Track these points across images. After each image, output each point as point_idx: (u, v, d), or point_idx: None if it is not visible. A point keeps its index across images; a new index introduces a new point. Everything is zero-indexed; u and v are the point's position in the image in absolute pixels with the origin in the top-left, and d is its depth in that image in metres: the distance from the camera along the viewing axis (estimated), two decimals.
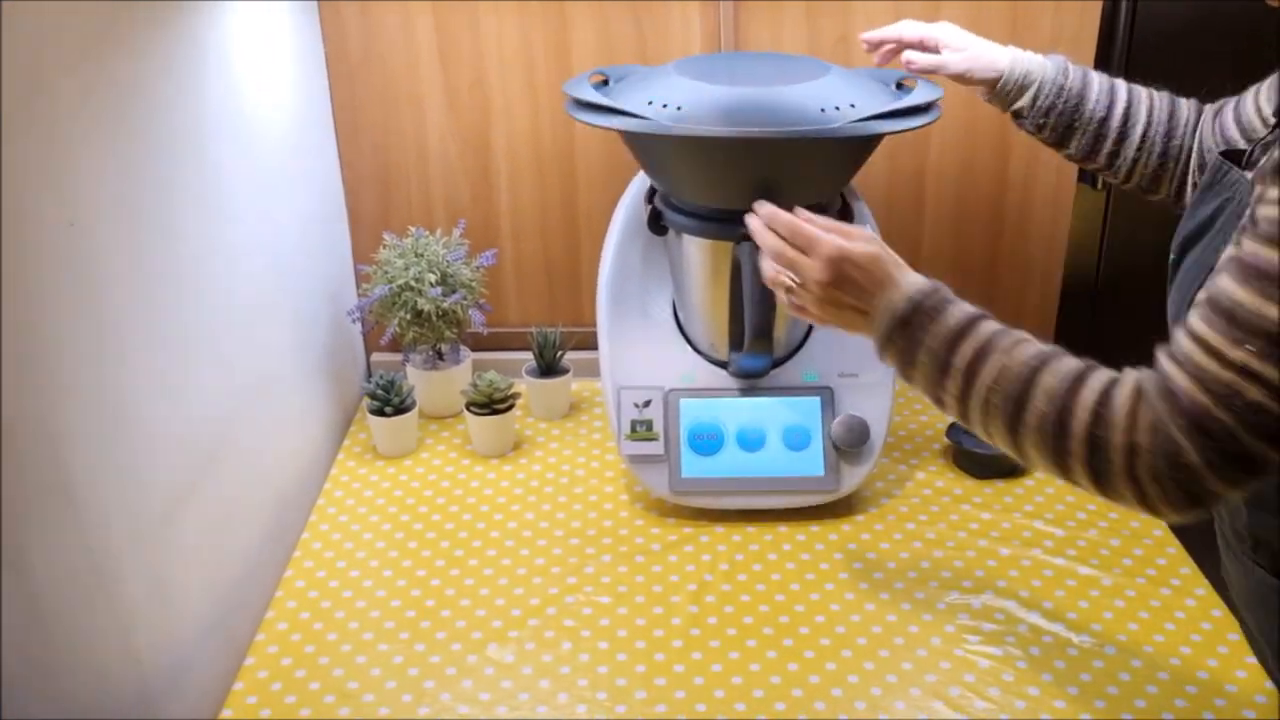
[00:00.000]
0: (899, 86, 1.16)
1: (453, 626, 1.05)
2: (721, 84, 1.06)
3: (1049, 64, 1.06)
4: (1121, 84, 1.05)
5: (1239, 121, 0.96)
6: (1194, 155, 1.01)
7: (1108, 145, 1.05)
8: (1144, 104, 1.04)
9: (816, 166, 1.11)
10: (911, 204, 1.46)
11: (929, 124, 1.08)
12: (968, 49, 1.08)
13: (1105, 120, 1.04)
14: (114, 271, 0.85)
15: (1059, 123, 1.06)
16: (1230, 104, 0.99)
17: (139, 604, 0.90)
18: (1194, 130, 1.03)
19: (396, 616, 1.07)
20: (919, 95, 1.09)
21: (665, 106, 1.04)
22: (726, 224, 1.11)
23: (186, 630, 0.97)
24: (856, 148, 1.12)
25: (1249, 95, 0.97)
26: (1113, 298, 1.72)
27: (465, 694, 0.97)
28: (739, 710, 0.95)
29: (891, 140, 1.26)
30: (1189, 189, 1.01)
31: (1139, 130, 1.04)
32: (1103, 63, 1.43)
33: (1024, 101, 1.06)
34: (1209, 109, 1.02)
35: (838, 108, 1.04)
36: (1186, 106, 1.04)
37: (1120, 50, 1.46)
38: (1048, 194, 1.46)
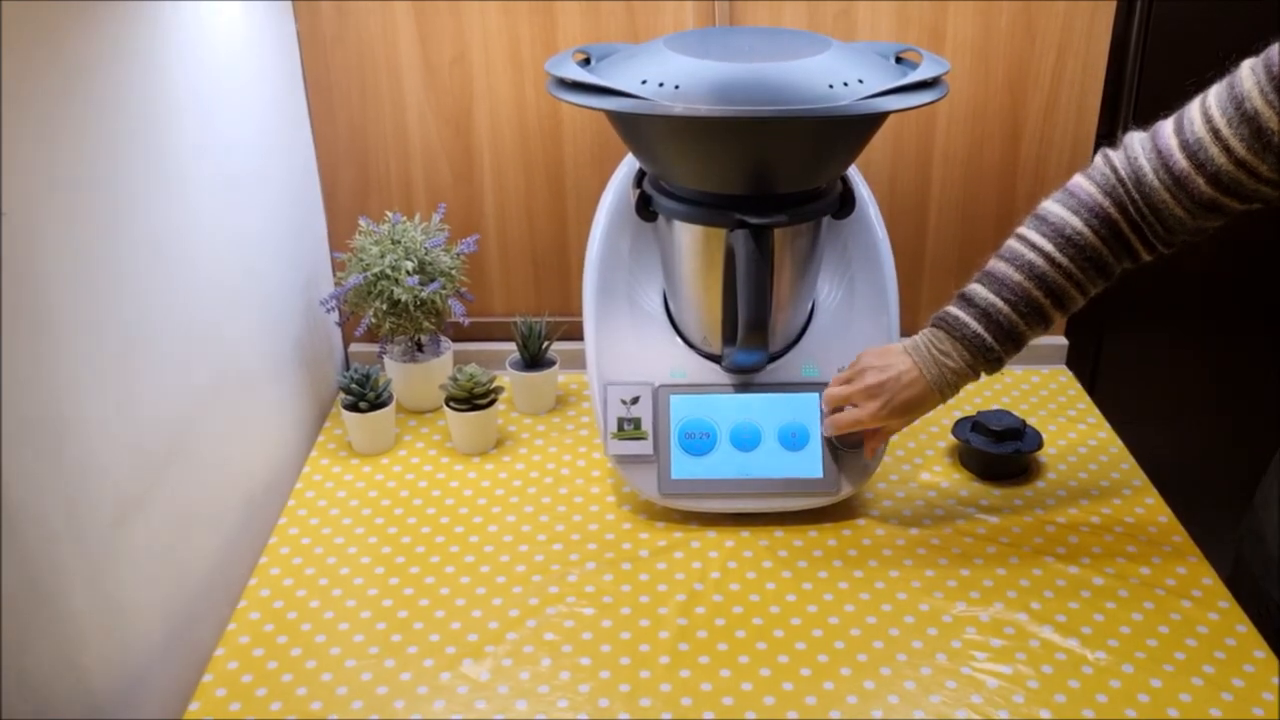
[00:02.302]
0: (899, 60, 1.09)
1: (426, 640, 0.99)
2: (719, 60, 0.99)
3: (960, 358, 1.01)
4: (1040, 296, 0.98)
5: (1180, 133, 0.90)
6: (1144, 207, 0.94)
7: (1087, 299, 1.01)
8: (1065, 285, 0.98)
9: (822, 147, 1.04)
10: (917, 189, 1.39)
11: (941, 98, 1.01)
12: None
13: (1052, 320, 1.01)
14: (54, 263, 0.78)
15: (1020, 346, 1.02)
16: (1165, 126, 0.92)
17: (86, 620, 0.84)
18: (1117, 232, 0.96)
19: (366, 629, 1.00)
20: (926, 70, 1.02)
21: (661, 85, 0.97)
22: (720, 209, 1.04)
23: (139, 646, 0.91)
24: (865, 126, 1.05)
25: (1192, 106, 0.90)
26: (1123, 286, 1.65)
27: (437, 715, 0.91)
28: None
29: (896, 120, 1.20)
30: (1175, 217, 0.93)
31: (1080, 294, 0.99)
32: (1117, 61, 1.36)
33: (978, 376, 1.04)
34: (1137, 140, 0.94)
35: (845, 84, 0.97)
36: (1095, 237, 0.96)
37: (1135, 49, 1.40)
38: (1060, 181, 1.38)
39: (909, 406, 1.04)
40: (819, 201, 1.08)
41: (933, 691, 0.92)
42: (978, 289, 1.00)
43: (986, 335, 0.99)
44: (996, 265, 0.99)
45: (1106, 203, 0.95)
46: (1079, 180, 0.98)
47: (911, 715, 0.90)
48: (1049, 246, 0.96)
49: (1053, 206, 0.98)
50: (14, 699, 0.76)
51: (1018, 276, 0.97)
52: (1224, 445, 1.66)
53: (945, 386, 1.02)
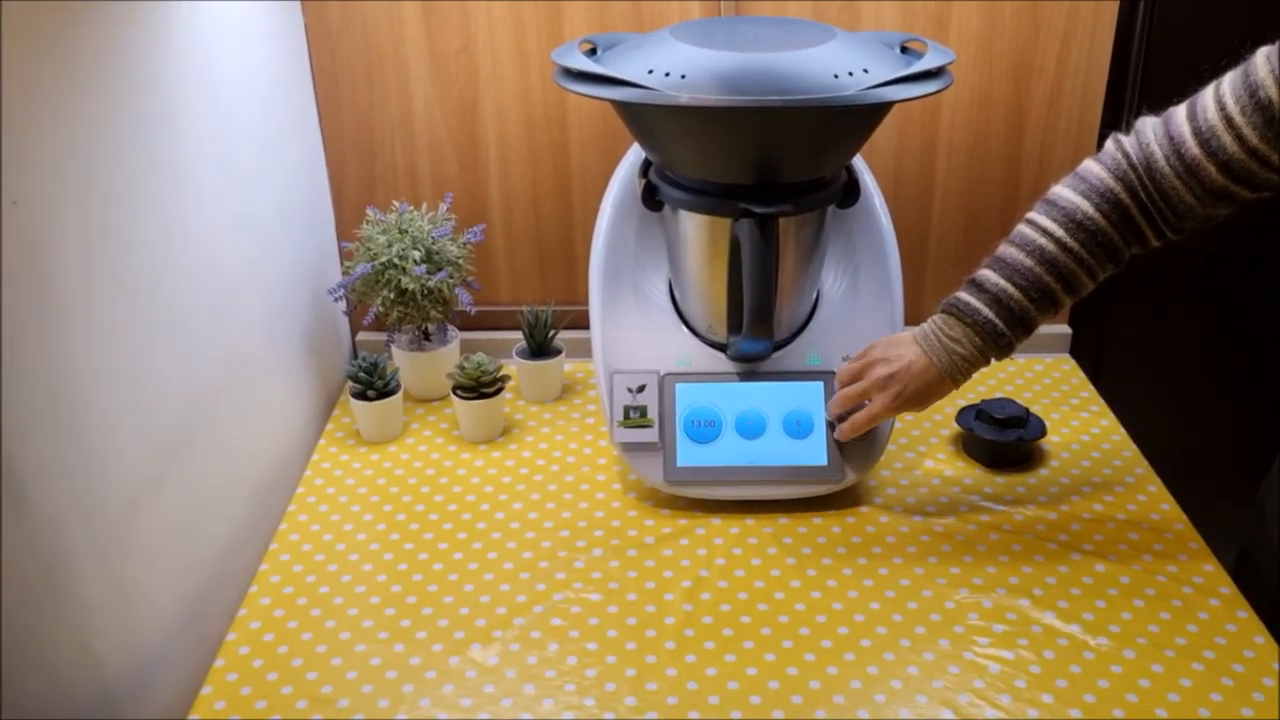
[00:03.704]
0: (903, 50, 1.09)
1: (434, 626, 1.00)
2: (724, 50, 0.99)
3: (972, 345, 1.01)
4: (1052, 282, 0.98)
5: (1193, 120, 0.89)
6: (1155, 193, 0.93)
7: (1096, 284, 1.00)
8: (1076, 270, 0.98)
9: (827, 137, 1.05)
10: (921, 178, 1.40)
11: (946, 88, 1.02)
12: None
13: (1060, 306, 1.00)
14: (64, 252, 0.79)
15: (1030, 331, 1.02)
16: (1178, 112, 0.91)
17: (98, 605, 0.85)
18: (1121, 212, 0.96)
19: (376, 615, 1.01)
20: (931, 59, 1.03)
21: (668, 75, 0.97)
22: (726, 199, 1.05)
23: (151, 631, 0.92)
24: (870, 116, 1.06)
25: (1206, 93, 0.89)
26: (1127, 275, 1.65)
27: (445, 699, 0.92)
28: (734, 718, 0.90)
29: (901, 109, 1.20)
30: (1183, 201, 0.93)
31: (1090, 279, 0.99)
32: (1121, 51, 1.36)
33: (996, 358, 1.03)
34: (1149, 125, 0.94)
35: (850, 73, 0.97)
36: (1101, 218, 0.96)
37: (1139, 38, 1.40)
38: (1064, 171, 1.38)
39: (921, 396, 1.04)
40: (824, 191, 1.09)
41: (935, 677, 0.93)
42: (988, 274, 1.00)
43: (998, 320, 0.99)
44: (1007, 250, 0.99)
45: (1118, 187, 0.95)
46: (1089, 165, 0.97)
47: (914, 700, 0.91)
48: (1060, 231, 0.96)
49: (1063, 191, 0.98)
50: (28, 683, 0.77)
51: (1028, 261, 0.97)
52: (1227, 434, 1.66)
53: (956, 373, 1.02)
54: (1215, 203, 0.92)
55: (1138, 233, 0.97)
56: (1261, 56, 0.86)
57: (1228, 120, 0.87)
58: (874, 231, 1.19)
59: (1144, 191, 0.94)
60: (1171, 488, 1.18)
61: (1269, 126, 0.85)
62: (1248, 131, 0.86)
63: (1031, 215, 0.99)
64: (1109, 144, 0.97)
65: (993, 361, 1.03)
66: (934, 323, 1.03)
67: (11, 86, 0.72)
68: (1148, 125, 0.94)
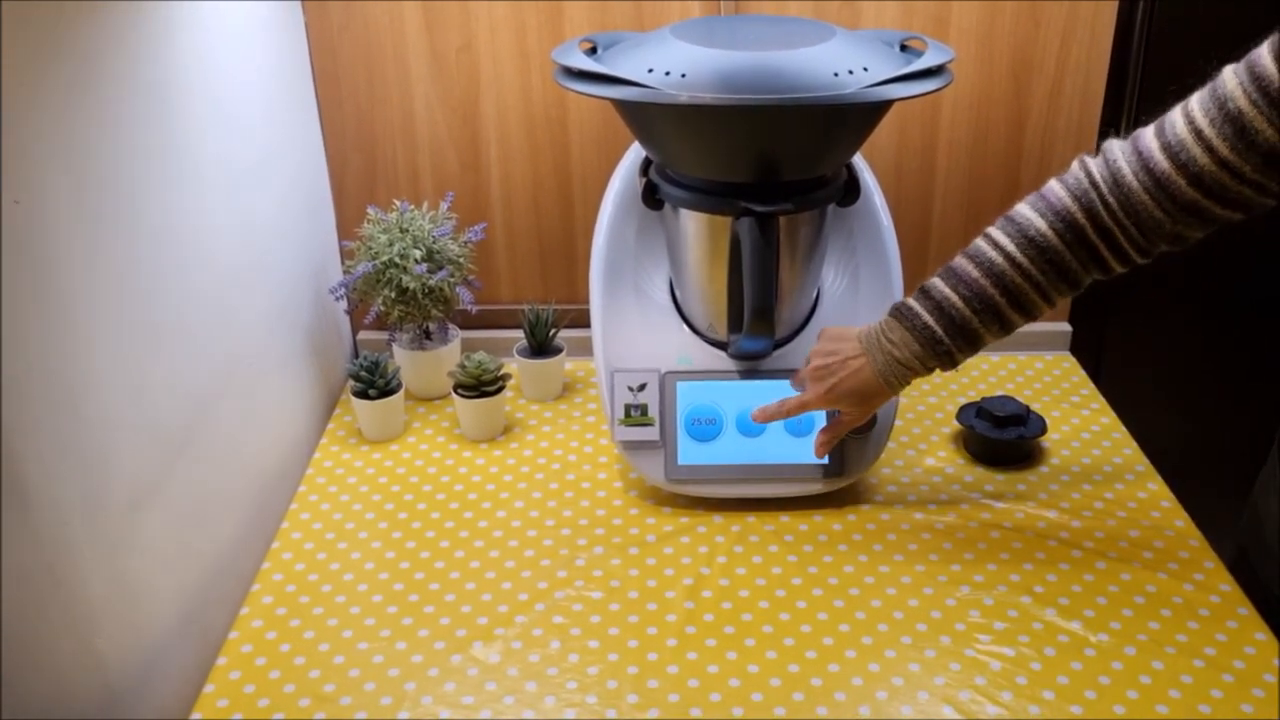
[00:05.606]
0: (903, 48, 1.09)
1: (437, 624, 1.00)
2: (725, 49, 1.00)
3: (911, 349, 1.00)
4: (1002, 303, 0.96)
5: (1161, 135, 0.89)
6: (1119, 210, 0.92)
7: (1051, 304, 0.98)
8: (1024, 286, 0.96)
9: (828, 135, 1.05)
10: (922, 176, 1.40)
11: (946, 86, 1.02)
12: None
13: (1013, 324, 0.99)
14: (66, 251, 0.79)
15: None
16: (1146, 131, 0.91)
17: (100, 604, 0.85)
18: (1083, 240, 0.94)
19: (378, 613, 1.02)
20: (931, 57, 1.03)
21: (668, 74, 0.97)
22: (726, 197, 1.05)
23: (154, 630, 0.92)
24: (870, 115, 1.06)
25: (1174, 111, 0.89)
26: (1130, 273, 1.65)
27: (447, 697, 0.92)
28: (736, 715, 0.90)
29: (901, 108, 1.20)
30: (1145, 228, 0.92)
31: (1041, 298, 0.97)
32: (1121, 48, 1.36)
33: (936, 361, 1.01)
34: (1116, 145, 0.93)
35: (851, 72, 0.97)
36: (1061, 241, 0.94)
37: (1139, 35, 1.40)
38: (1064, 168, 1.39)
39: (855, 393, 1.03)
40: (824, 189, 1.09)
41: (936, 674, 0.94)
42: (936, 282, 0.99)
43: (937, 327, 0.98)
44: (958, 261, 0.99)
45: (1074, 207, 0.94)
46: (1052, 184, 0.97)
47: (915, 697, 0.91)
48: (1010, 246, 0.96)
49: (1022, 208, 0.97)
50: (31, 682, 0.77)
51: (975, 273, 0.97)
52: (1228, 431, 1.66)
53: (891, 376, 1.01)
54: (1185, 218, 0.91)
55: (1094, 254, 0.95)
56: (1229, 72, 0.86)
57: (1197, 133, 0.86)
58: (874, 230, 1.19)
59: (1106, 211, 0.92)
60: (1171, 485, 1.18)
61: (1239, 137, 0.84)
62: (1218, 143, 0.85)
63: (989, 230, 0.99)
64: (1074, 164, 0.96)
65: (936, 372, 1.02)
66: (880, 323, 1.03)
67: (12, 86, 0.72)
68: (1115, 145, 0.94)
